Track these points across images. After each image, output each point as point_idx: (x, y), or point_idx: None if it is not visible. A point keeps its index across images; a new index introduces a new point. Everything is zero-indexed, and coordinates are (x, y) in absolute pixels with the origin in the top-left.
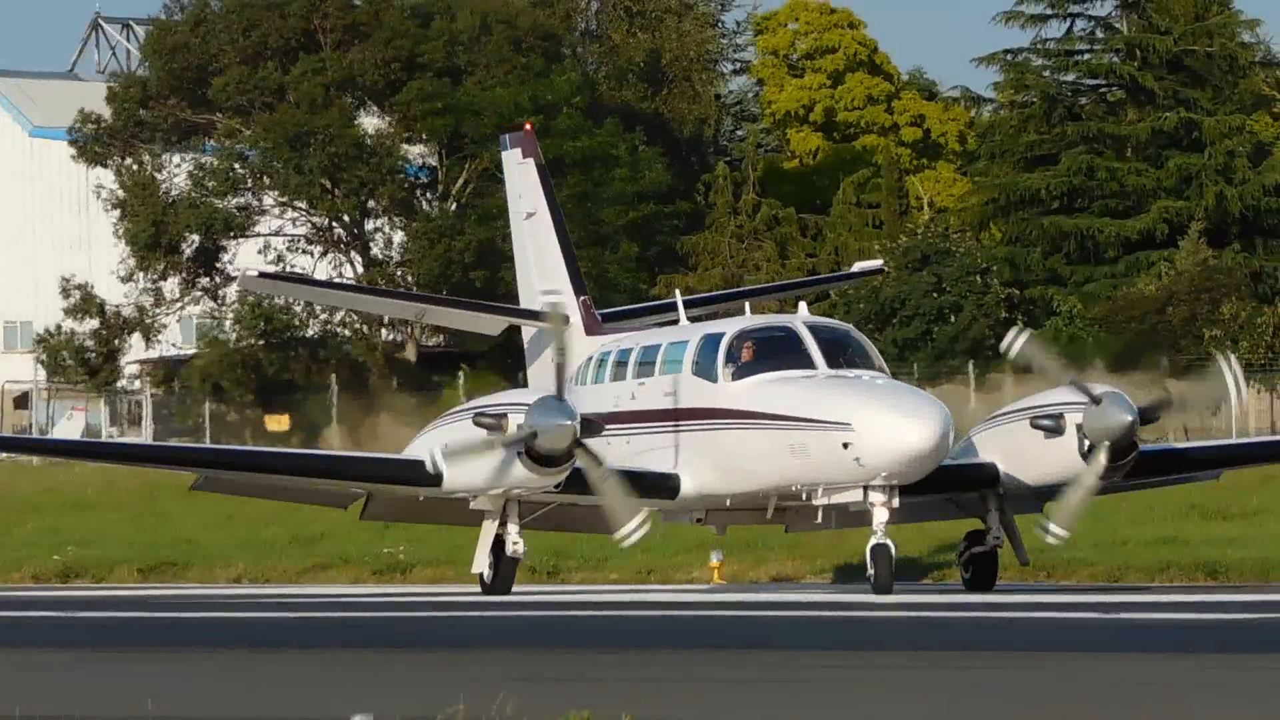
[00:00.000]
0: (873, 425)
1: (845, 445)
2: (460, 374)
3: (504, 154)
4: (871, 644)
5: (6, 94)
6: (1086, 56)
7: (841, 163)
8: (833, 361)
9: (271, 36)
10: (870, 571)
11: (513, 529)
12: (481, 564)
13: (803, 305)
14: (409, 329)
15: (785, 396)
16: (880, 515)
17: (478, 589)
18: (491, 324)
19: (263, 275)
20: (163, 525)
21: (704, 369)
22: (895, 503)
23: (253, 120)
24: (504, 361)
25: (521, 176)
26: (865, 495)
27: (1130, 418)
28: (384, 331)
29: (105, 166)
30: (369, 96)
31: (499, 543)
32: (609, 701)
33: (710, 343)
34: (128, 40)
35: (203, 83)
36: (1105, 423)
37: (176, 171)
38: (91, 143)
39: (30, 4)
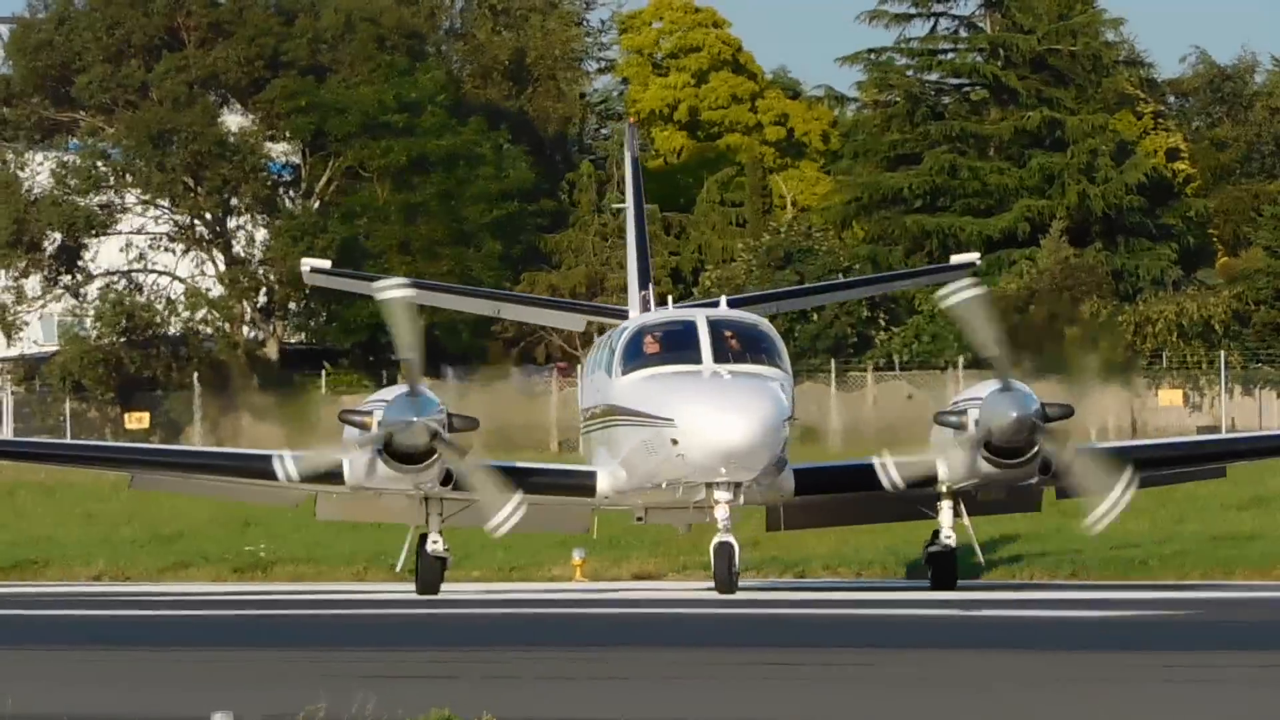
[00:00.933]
0: (690, 422)
1: (674, 442)
2: (323, 372)
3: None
4: (718, 641)
5: None
6: (950, 56)
7: (705, 161)
8: (721, 357)
9: (135, 34)
10: (712, 569)
11: (434, 527)
12: (402, 562)
13: (724, 300)
14: (270, 326)
15: (646, 393)
16: (720, 512)
17: (411, 587)
18: (571, 320)
19: (314, 270)
20: (22, 523)
21: (608, 363)
22: (739, 500)
23: (116, 118)
24: (366, 360)
25: (625, 170)
26: (709, 492)
27: (1014, 414)
28: (245, 329)
29: None
30: (232, 94)
31: (424, 541)
32: (470, 699)
33: (617, 336)
34: None
35: (66, 81)
36: (991, 419)
37: (39, 169)
38: None
39: None
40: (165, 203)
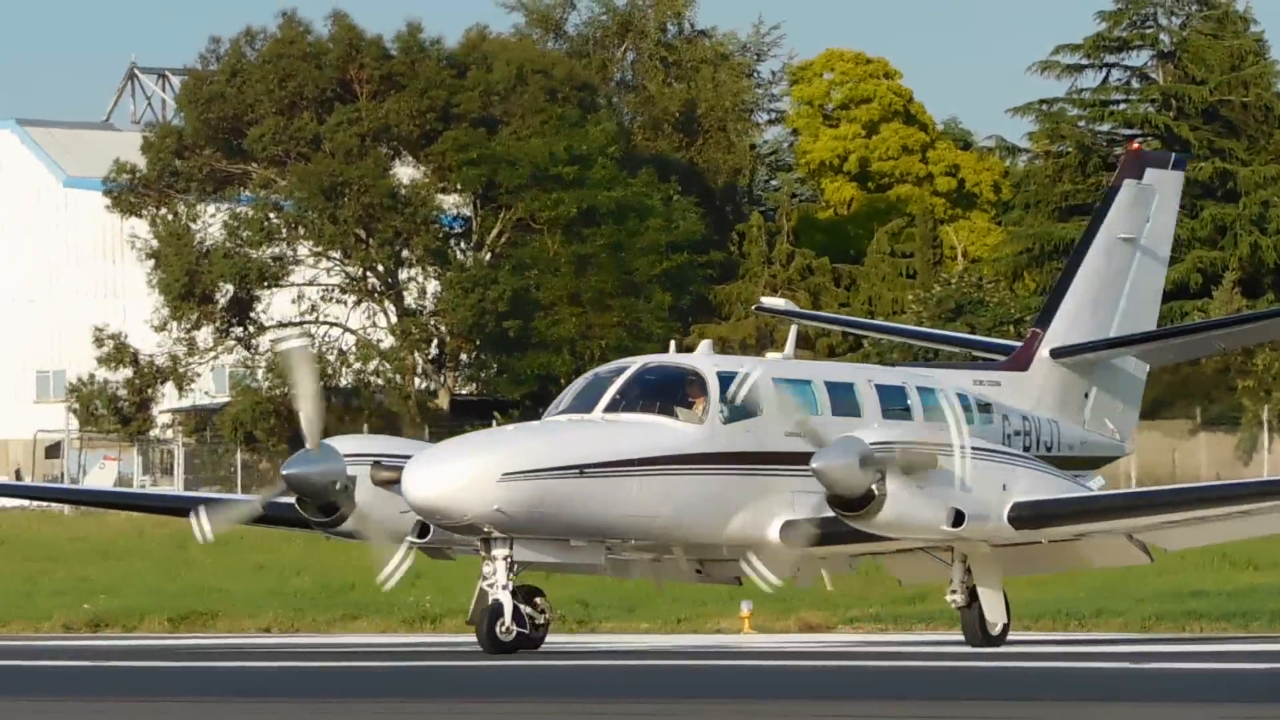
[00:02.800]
0: (407, 470)
1: None
2: (493, 421)
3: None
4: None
5: (41, 144)
6: (1122, 106)
7: (876, 212)
8: (614, 407)
9: (307, 87)
10: None
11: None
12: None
13: (704, 343)
14: (442, 377)
15: None
16: (484, 568)
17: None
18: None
19: (762, 309)
20: (192, 574)
21: None
22: (518, 555)
23: (288, 170)
24: (536, 411)
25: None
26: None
27: (815, 465)
28: (416, 380)
29: (139, 216)
30: (404, 146)
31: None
32: None
33: None
34: (163, 90)
35: (238, 133)
36: (820, 473)
37: (211, 221)
38: (126, 193)
39: (66, 54)
40: (337, 254)
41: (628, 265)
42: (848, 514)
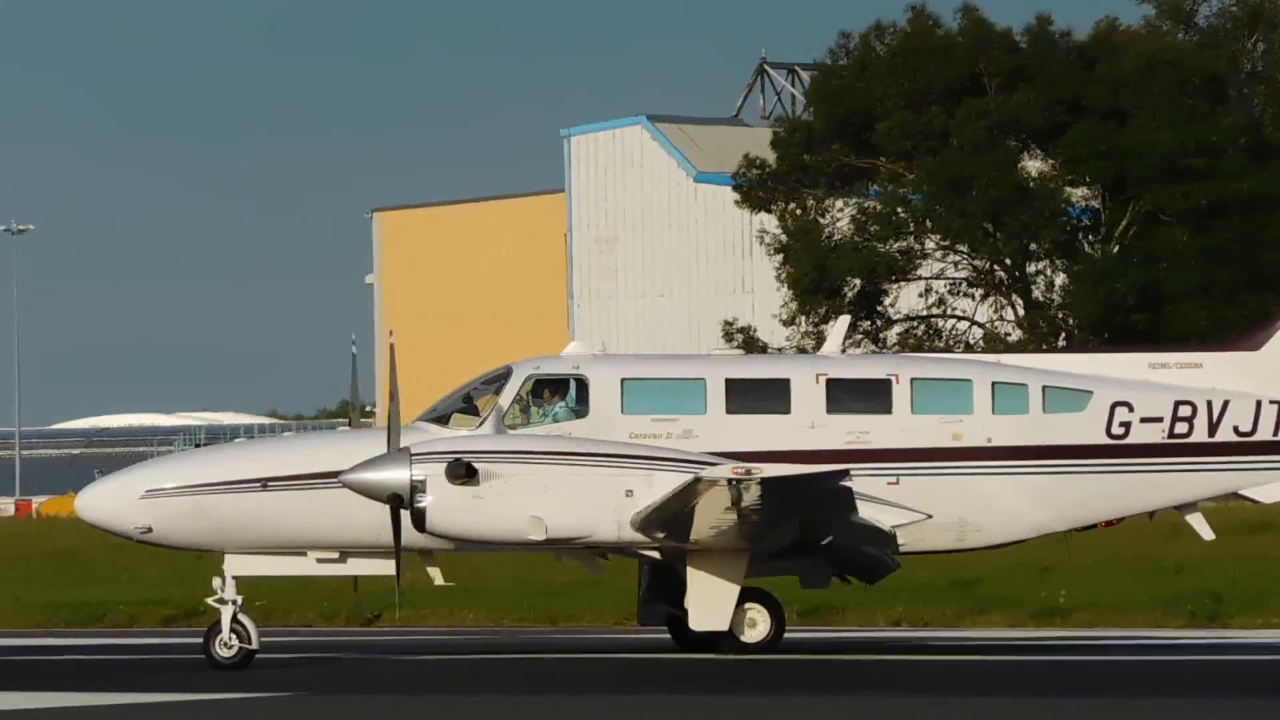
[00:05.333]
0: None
1: None
2: None
3: None
4: None
5: (672, 140)
6: None
7: None
8: (430, 414)
9: (936, 80)
10: None
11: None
12: None
13: (572, 345)
14: None
15: None
16: (214, 581)
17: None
18: None
19: None
20: None
21: None
22: (232, 568)
23: (915, 164)
24: None
25: None
26: None
27: (342, 478)
28: None
29: (768, 211)
30: (1032, 139)
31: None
32: None
33: None
34: (793, 85)
35: (866, 127)
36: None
37: (839, 216)
38: (755, 188)
39: (696, 51)
40: (964, 248)
41: (1259, 258)
42: (416, 523)
